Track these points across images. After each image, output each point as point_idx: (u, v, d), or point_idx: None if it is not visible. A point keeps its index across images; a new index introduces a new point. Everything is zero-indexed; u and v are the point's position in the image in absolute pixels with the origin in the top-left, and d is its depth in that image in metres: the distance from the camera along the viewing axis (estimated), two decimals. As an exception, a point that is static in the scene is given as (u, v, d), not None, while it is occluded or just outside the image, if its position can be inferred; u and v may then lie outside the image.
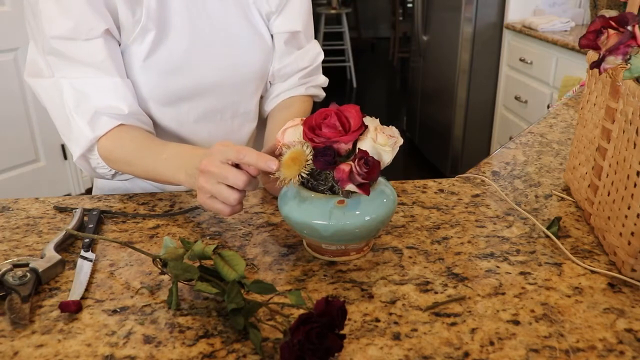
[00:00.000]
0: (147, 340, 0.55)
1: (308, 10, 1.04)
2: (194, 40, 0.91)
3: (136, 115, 0.87)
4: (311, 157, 0.63)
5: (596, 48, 0.59)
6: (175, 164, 0.78)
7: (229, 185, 0.68)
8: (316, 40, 1.10)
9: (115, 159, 0.86)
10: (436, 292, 0.62)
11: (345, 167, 0.61)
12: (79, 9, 0.80)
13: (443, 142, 3.42)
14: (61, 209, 0.84)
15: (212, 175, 0.68)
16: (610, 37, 0.58)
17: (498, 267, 0.67)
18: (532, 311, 0.58)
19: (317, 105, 0.94)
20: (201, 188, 0.70)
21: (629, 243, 0.62)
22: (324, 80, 1.10)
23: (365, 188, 0.61)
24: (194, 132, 0.98)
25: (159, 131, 0.95)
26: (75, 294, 0.62)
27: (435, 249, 0.71)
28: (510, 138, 1.20)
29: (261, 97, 1.07)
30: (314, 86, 1.09)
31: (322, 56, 1.08)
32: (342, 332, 0.50)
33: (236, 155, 0.67)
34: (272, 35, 1.01)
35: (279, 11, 0.98)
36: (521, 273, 0.65)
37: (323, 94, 1.12)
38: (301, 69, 1.04)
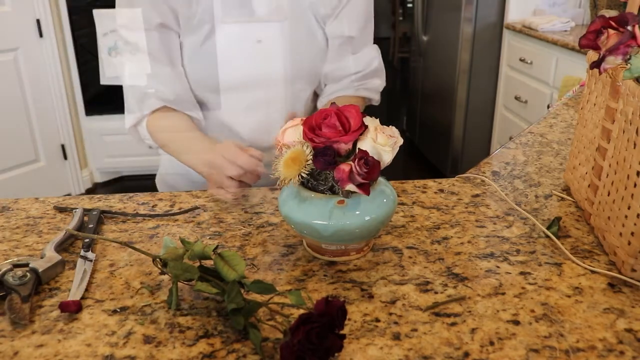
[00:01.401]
0: (147, 340, 0.55)
1: (366, 15, 1.06)
2: (246, 35, 0.97)
3: (182, 102, 0.98)
4: (311, 157, 0.63)
5: (596, 48, 0.59)
6: (195, 161, 0.92)
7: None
8: (375, 45, 1.11)
9: (156, 138, 1.00)
10: (436, 292, 0.62)
11: (345, 167, 0.61)
12: (140, 3, 0.94)
13: (443, 142, 3.42)
14: (61, 209, 0.84)
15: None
16: (610, 37, 0.58)
17: (498, 267, 0.67)
18: (532, 311, 0.58)
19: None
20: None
21: (629, 243, 0.62)
22: (378, 84, 1.12)
23: (365, 188, 0.61)
24: (241, 122, 1.04)
25: (210, 116, 1.03)
26: (75, 294, 0.62)
27: (435, 249, 0.71)
28: (510, 138, 1.20)
29: (316, 96, 1.10)
30: (367, 89, 1.10)
31: (377, 61, 1.10)
32: (342, 332, 0.50)
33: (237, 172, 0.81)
34: (326, 38, 1.03)
35: (335, 15, 1.01)
36: (521, 273, 0.65)
37: (377, 98, 1.13)
38: (354, 72, 1.06)
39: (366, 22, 1.07)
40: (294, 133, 0.67)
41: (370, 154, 0.61)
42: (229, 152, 0.81)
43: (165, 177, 1.17)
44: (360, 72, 1.07)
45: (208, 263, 0.60)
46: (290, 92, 1.03)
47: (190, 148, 0.94)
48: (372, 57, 1.09)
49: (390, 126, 0.66)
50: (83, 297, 0.62)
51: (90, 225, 0.77)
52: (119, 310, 0.60)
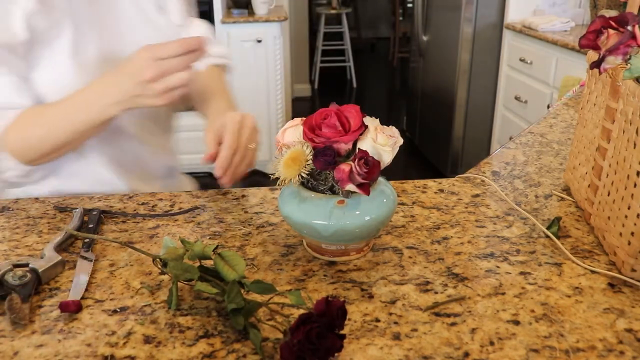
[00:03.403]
0: (147, 340, 0.55)
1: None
2: (109, 29, 0.92)
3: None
4: (311, 157, 0.63)
5: (596, 48, 0.59)
6: (99, 102, 0.80)
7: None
8: (203, 21, 1.13)
9: (26, 140, 0.83)
10: (436, 292, 0.62)
11: (345, 167, 0.61)
12: None
13: (443, 142, 3.42)
14: (61, 209, 0.84)
15: (160, 77, 0.75)
16: (610, 37, 0.58)
17: (498, 267, 0.67)
18: (532, 311, 0.58)
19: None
20: (159, 92, 0.76)
21: (629, 243, 0.62)
22: (225, 51, 1.13)
23: (365, 188, 0.61)
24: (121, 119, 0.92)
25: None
26: (75, 294, 0.62)
27: (435, 249, 0.71)
28: (510, 138, 1.20)
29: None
30: (218, 57, 1.10)
31: (211, 30, 1.12)
32: (342, 332, 0.50)
33: (161, 54, 0.74)
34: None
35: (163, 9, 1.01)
36: (521, 273, 0.65)
37: (227, 60, 1.13)
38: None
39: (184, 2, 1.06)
40: (294, 133, 0.67)
41: (370, 154, 0.61)
42: (147, 51, 0.75)
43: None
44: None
45: (208, 263, 0.60)
46: None
47: (92, 94, 0.81)
48: (203, 31, 1.09)
49: (390, 126, 0.67)
50: (83, 297, 0.62)
51: (90, 225, 0.77)
52: (119, 310, 0.60)
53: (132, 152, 0.99)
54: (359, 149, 0.63)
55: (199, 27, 1.10)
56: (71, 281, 0.64)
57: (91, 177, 0.95)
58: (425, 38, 3.59)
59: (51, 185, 0.95)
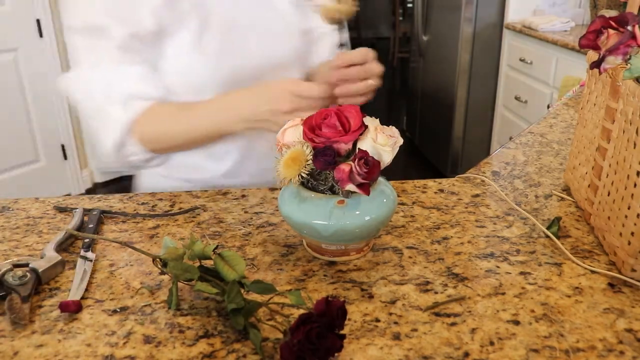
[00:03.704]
0: (147, 340, 0.55)
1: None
2: (234, 21, 0.94)
3: (166, 100, 0.91)
4: (311, 157, 0.63)
5: (596, 48, 0.59)
6: (227, 116, 0.85)
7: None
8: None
9: (154, 133, 0.89)
10: (436, 292, 0.62)
11: (345, 167, 0.61)
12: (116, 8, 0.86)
13: (443, 142, 3.42)
14: (61, 209, 0.84)
15: (294, 112, 0.78)
16: (610, 37, 0.58)
17: (498, 267, 0.67)
18: (532, 311, 0.58)
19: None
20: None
21: (629, 243, 0.62)
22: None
23: (365, 188, 0.61)
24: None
25: None
26: (75, 294, 0.62)
27: (435, 249, 0.71)
28: (510, 138, 1.20)
29: None
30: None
31: (345, 39, 1.13)
32: (342, 332, 0.50)
33: (303, 93, 0.78)
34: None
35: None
36: (521, 273, 0.65)
37: None
38: (333, 45, 1.09)
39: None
40: (294, 133, 0.67)
41: (370, 154, 0.61)
42: (290, 85, 0.79)
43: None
44: (344, 45, 1.10)
45: (208, 263, 0.60)
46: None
47: (210, 108, 0.87)
48: (337, 39, 1.12)
49: (390, 126, 0.67)
50: (83, 297, 0.62)
51: (90, 225, 0.77)
52: (119, 310, 0.60)
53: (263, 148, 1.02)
54: (359, 149, 0.63)
55: (335, 36, 1.11)
56: (71, 281, 0.64)
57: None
58: (425, 38, 3.59)
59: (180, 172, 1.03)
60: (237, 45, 0.94)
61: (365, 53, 0.83)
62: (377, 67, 0.84)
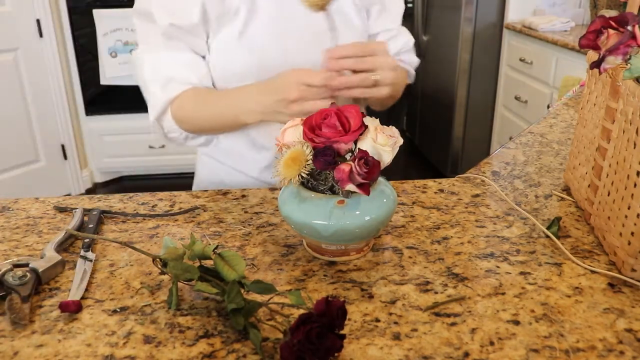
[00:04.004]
0: (147, 340, 0.55)
1: (402, 4, 1.10)
2: (283, 18, 0.96)
3: (206, 87, 0.97)
4: (311, 157, 0.63)
5: (596, 48, 0.59)
6: (240, 107, 0.90)
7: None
8: (404, 28, 1.14)
9: (184, 115, 0.97)
10: (436, 292, 0.62)
11: (345, 167, 0.61)
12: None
13: (443, 142, 3.42)
14: (61, 209, 0.84)
15: (300, 100, 0.81)
16: (610, 37, 0.58)
17: (498, 267, 0.67)
18: (532, 311, 0.58)
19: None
20: (295, 113, 0.81)
21: (629, 243, 0.62)
22: (414, 60, 1.14)
23: (365, 188, 0.61)
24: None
25: None
26: (75, 294, 0.62)
27: (435, 249, 0.71)
28: (510, 138, 1.20)
29: None
30: (406, 62, 1.12)
31: (412, 41, 1.12)
32: (342, 332, 0.50)
33: (308, 80, 0.80)
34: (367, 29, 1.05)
35: (377, 15, 1.05)
36: (521, 273, 0.65)
37: (413, 73, 1.15)
38: (395, 52, 1.08)
39: (401, 9, 1.10)
40: (294, 133, 0.67)
41: (370, 154, 0.61)
42: (297, 75, 0.81)
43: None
44: (399, 51, 1.09)
45: (208, 263, 0.60)
46: None
47: (230, 97, 0.92)
48: (408, 36, 1.11)
49: (390, 126, 0.67)
50: (83, 297, 0.62)
51: (90, 225, 0.77)
52: (119, 310, 0.60)
53: None
54: (359, 149, 0.63)
55: (404, 35, 1.10)
56: (71, 281, 0.64)
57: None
58: (425, 38, 3.59)
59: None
60: (285, 41, 0.96)
61: (364, 46, 0.82)
62: (384, 60, 0.83)
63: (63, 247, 0.72)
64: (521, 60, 2.90)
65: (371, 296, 0.61)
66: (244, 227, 0.78)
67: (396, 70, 0.86)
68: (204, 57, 0.98)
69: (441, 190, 0.89)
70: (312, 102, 0.81)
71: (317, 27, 0.98)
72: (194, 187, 1.17)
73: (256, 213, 0.82)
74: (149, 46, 0.97)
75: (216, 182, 1.10)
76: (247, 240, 0.74)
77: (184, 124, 0.98)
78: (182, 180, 3.31)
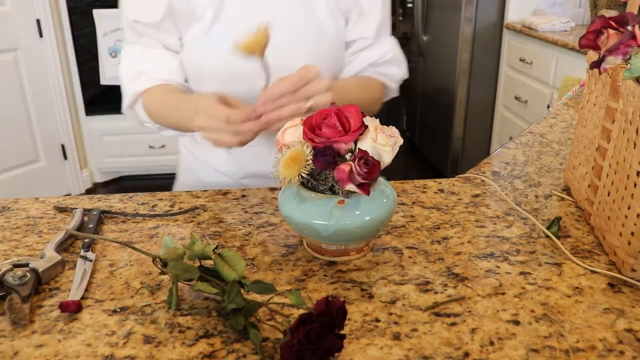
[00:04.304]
0: (147, 340, 0.55)
1: (384, 13, 1.06)
2: (252, 18, 0.92)
3: (176, 83, 0.99)
4: (311, 157, 0.63)
5: (596, 48, 0.59)
6: (185, 114, 0.90)
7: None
8: (392, 37, 1.10)
9: (151, 112, 1.00)
10: (436, 292, 0.62)
11: (345, 167, 0.61)
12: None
13: (443, 142, 3.42)
14: (61, 209, 0.84)
15: (205, 129, 0.81)
16: (610, 37, 0.58)
17: (498, 267, 0.67)
18: (532, 311, 0.58)
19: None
20: (205, 138, 0.82)
21: (629, 243, 0.62)
22: (395, 72, 1.09)
23: (365, 188, 0.61)
24: None
25: None
26: (75, 294, 0.62)
27: (435, 249, 0.71)
28: (510, 138, 1.20)
29: None
30: (383, 74, 1.08)
31: (392, 53, 1.08)
32: (342, 332, 0.50)
33: (215, 113, 0.79)
34: (342, 33, 1.03)
35: (354, 22, 1.03)
36: (521, 273, 0.65)
37: (394, 86, 1.11)
38: (368, 63, 1.06)
39: (383, 18, 1.07)
40: (294, 133, 0.67)
41: (370, 154, 0.61)
42: (207, 105, 0.80)
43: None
44: (377, 60, 1.07)
45: (208, 263, 0.60)
46: None
47: (179, 107, 0.93)
48: (387, 49, 1.08)
49: (390, 126, 0.66)
50: (83, 297, 0.62)
51: (90, 225, 0.77)
52: (119, 310, 0.60)
53: None
54: (359, 149, 0.63)
55: (383, 46, 1.07)
56: (71, 281, 0.64)
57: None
58: (425, 38, 3.59)
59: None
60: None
61: (297, 79, 0.79)
62: (317, 85, 0.80)
63: (63, 247, 0.72)
64: (521, 60, 2.90)
65: (371, 296, 0.61)
66: (244, 227, 0.78)
67: (333, 89, 0.82)
68: (178, 53, 1.00)
69: (441, 190, 0.89)
70: (216, 136, 0.79)
71: (287, 28, 0.97)
72: (175, 188, 1.18)
73: (256, 213, 0.82)
74: (125, 38, 1.01)
75: (196, 182, 1.10)
76: (247, 240, 0.74)
77: (153, 119, 1.01)
78: (182, 180, 3.30)
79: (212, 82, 0.98)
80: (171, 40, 0.98)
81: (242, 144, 0.80)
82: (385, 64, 1.08)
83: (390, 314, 0.58)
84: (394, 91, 1.13)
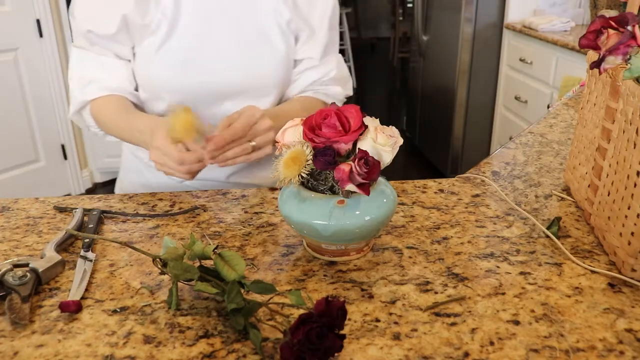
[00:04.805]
0: (147, 340, 0.55)
1: (331, 32, 1.07)
2: (204, 35, 0.97)
3: (126, 92, 0.99)
4: (311, 157, 0.63)
5: (596, 48, 0.59)
6: (137, 136, 0.93)
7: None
8: (338, 55, 1.12)
9: (99, 121, 1.01)
10: (436, 292, 0.62)
11: (345, 167, 0.61)
12: (94, 14, 0.97)
13: (443, 142, 3.42)
14: (61, 209, 0.84)
15: (156, 162, 0.84)
16: (610, 37, 0.58)
17: (498, 267, 0.67)
18: (532, 311, 0.58)
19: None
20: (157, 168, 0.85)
21: (629, 243, 0.62)
22: (338, 92, 1.11)
23: (365, 188, 0.61)
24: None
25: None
26: (75, 294, 0.62)
27: (435, 249, 0.71)
28: (510, 138, 1.20)
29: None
30: (325, 94, 1.10)
31: (335, 71, 1.09)
32: (342, 332, 0.50)
33: (167, 151, 0.81)
34: (290, 52, 1.04)
35: (304, 41, 1.04)
36: (521, 273, 0.65)
37: (331, 101, 1.11)
38: (312, 81, 1.07)
39: (330, 38, 1.07)
40: (294, 133, 0.67)
41: (370, 154, 0.61)
42: (161, 145, 0.82)
43: (123, 183, 1.18)
44: (319, 79, 1.08)
45: (208, 263, 0.60)
46: (264, 106, 1.01)
47: (130, 129, 0.95)
48: (331, 67, 1.09)
49: (390, 126, 0.67)
50: (83, 297, 0.62)
51: (90, 225, 0.77)
52: (119, 310, 0.60)
53: None
54: (359, 149, 0.63)
55: (328, 65, 1.08)
56: (71, 281, 0.64)
57: None
58: (425, 38, 3.59)
59: None
60: (204, 59, 0.97)
61: (244, 125, 0.84)
62: (262, 126, 0.86)
63: (63, 247, 0.72)
64: (521, 60, 2.90)
65: (371, 296, 0.61)
66: (244, 227, 0.78)
67: (274, 127, 0.85)
68: (130, 61, 1.01)
69: (441, 190, 0.89)
70: (168, 170, 0.83)
71: (239, 47, 0.98)
72: (116, 190, 1.19)
73: (256, 213, 0.82)
74: (75, 42, 1.00)
75: (143, 182, 1.11)
76: (247, 240, 0.74)
77: (100, 127, 1.03)
78: (182, 180, 3.30)
79: (163, 94, 0.99)
80: (124, 51, 0.99)
81: (191, 178, 0.83)
82: (329, 82, 1.09)
83: (390, 314, 0.58)
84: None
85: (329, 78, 1.09)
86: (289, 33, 1.02)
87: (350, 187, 0.61)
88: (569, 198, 0.85)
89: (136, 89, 1.02)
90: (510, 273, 0.65)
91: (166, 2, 0.94)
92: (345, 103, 0.69)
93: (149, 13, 0.94)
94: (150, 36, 0.96)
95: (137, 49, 0.98)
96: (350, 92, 1.16)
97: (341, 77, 1.12)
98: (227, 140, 0.82)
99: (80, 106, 1.01)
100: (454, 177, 0.94)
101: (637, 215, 0.60)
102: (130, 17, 0.94)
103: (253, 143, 0.85)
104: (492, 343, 0.54)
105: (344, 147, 0.63)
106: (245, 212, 0.82)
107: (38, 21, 2.92)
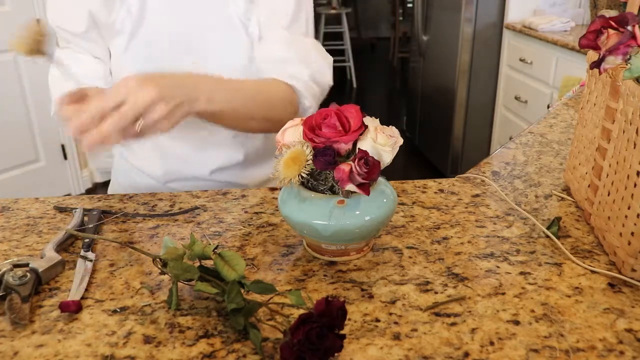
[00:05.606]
0: (147, 340, 0.55)
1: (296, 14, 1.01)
2: (172, 34, 0.97)
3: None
4: (311, 157, 0.63)
5: (596, 48, 0.59)
6: None
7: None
8: (311, 40, 1.06)
9: None
10: (436, 292, 0.62)
11: (345, 167, 0.61)
12: (65, 11, 0.98)
13: (443, 142, 3.42)
14: (61, 209, 0.84)
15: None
16: (610, 37, 0.58)
17: (498, 267, 0.67)
18: (532, 311, 0.58)
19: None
20: None
21: (629, 243, 0.62)
22: (298, 71, 1.00)
23: (365, 188, 0.61)
24: (176, 136, 1.02)
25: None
26: (75, 294, 0.62)
27: (435, 249, 0.71)
28: (510, 138, 1.20)
29: None
30: (290, 76, 1.00)
31: (292, 52, 1.03)
32: (342, 332, 0.50)
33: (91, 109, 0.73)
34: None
35: (263, 38, 0.99)
36: (521, 273, 0.65)
37: (295, 82, 1.00)
38: (270, 60, 1.02)
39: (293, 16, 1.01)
40: (294, 133, 0.67)
41: (370, 154, 0.61)
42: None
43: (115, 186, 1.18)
44: (272, 58, 1.01)
45: (208, 263, 0.60)
46: None
47: None
48: (279, 47, 1.02)
49: (390, 126, 0.67)
50: (83, 297, 0.62)
51: (90, 225, 0.77)
52: (119, 310, 0.60)
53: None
54: (359, 149, 0.63)
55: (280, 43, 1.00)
56: (71, 281, 0.64)
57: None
58: (425, 38, 3.59)
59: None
60: (170, 55, 0.97)
61: (102, 105, 0.70)
62: (140, 99, 0.70)
63: (63, 247, 0.72)
64: (521, 60, 2.90)
65: (371, 296, 0.61)
66: (244, 227, 0.78)
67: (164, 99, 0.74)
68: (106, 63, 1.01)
69: (441, 190, 0.89)
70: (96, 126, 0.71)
71: (205, 45, 0.98)
72: (109, 191, 1.19)
73: (256, 213, 0.82)
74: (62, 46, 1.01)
75: (131, 183, 1.12)
76: (247, 240, 0.74)
77: None
78: (182, 180, 3.30)
79: None
80: (99, 50, 0.98)
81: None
82: (288, 61, 0.99)
83: (390, 314, 0.58)
84: (308, 94, 1.01)
85: (286, 57, 0.99)
86: (252, 23, 0.98)
87: (350, 187, 0.61)
88: (569, 198, 0.85)
89: None
90: (510, 273, 0.65)
91: (131, 0, 0.94)
92: (345, 103, 0.66)
93: (114, 10, 0.94)
94: (118, 36, 0.96)
95: (111, 49, 0.98)
96: (317, 73, 1.03)
97: (302, 57, 1.01)
98: (86, 120, 0.70)
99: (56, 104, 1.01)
100: (454, 177, 0.94)
101: (637, 215, 0.60)
102: (96, 14, 0.93)
103: (140, 121, 0.71)
104: (492, 343, 0.54)
105: (344, 147, 0.63)
106: (245, 212, 0.82)
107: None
